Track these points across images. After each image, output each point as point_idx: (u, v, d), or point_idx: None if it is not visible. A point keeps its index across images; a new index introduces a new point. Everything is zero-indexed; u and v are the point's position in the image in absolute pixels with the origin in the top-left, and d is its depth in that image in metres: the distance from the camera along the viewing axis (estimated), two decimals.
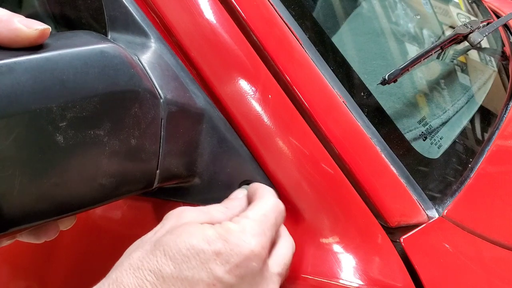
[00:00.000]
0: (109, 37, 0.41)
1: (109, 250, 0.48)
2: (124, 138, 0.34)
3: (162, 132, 0.37)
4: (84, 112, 0.31)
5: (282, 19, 0.43)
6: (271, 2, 0.43)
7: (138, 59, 0.38)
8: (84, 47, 0.32)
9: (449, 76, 0.63)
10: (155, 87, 0.37)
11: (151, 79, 0.37)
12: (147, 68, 0.38)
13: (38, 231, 0.36)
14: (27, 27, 0.29)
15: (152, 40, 0.41)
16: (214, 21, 0.41)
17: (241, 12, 0.41)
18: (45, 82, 0.29)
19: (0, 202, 0.29)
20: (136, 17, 0.41)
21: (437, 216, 0.44)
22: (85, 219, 0.49)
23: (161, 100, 0.37)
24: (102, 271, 0.30)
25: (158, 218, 0.46)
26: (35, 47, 0.30)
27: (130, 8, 0.41)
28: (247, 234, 0.32)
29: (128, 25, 0.41)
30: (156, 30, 0.42)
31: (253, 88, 0.41)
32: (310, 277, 0.39)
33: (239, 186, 0.42)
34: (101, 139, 0.32)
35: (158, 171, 0.38)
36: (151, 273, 0.29)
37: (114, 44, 0.34)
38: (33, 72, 0.29)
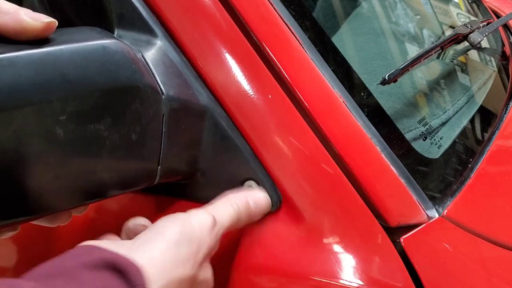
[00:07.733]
0: (115, 34, 0.41)
1: None
2: (125, 133, 0.34)
3: (163, 128, 0.37)
4: (85, 106, 0.31)
5: (282, 19, 0.43)
6: (271, 2, 0.43)
7: (142, 55, 0.38)
8: (86, 42, 0.32)
9: (449, 76, 0.63)
10: (158, 83, 0.37)
11: (153, 75, 0.37)
12: (150, 64, 0.38)
13: (52, 216, 0.37)
14: (34, 19, 0.29)
15: (158, 38, 0.41)
16: (214, 21, 0.41)
17: (241, 12, 0.41)
18: (46, 75, 0.29)
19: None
20: (143, 15, 0.41)
21: (437, 216, 0.44)
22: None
23: (163, 96, 0.37)
24: None
25: (159, 215, 0.46)
26: (39, 41, 0.30)
27: (137, 6, 0.41)
28: None
29: (135, 23, 0.41)
30: (162, 28, 0.42)
31: (253, 88, 0.41)
32: (310, 277, 0.39)
33: (242, 184, 0.42)
34: (101, 134, 0.32)
35: (159, 167, 0.38)
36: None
37: (117, 40, 0.34)
38: (34, 66, 0.29)
